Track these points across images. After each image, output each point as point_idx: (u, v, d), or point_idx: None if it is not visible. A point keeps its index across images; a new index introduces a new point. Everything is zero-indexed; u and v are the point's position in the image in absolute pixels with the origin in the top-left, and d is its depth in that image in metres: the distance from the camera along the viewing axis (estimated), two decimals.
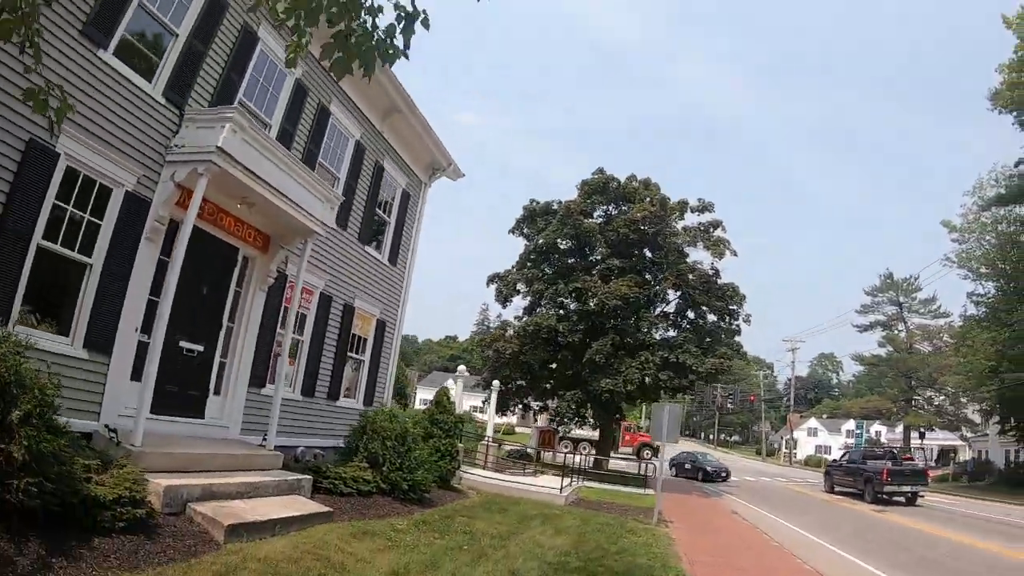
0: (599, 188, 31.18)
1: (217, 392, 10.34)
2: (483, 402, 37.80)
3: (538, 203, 32.27)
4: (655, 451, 50.00)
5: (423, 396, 70.02)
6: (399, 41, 4.26)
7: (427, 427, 14.00)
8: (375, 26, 4.15)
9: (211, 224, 9.84)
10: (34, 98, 4.33)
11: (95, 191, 8.19)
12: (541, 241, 31.00)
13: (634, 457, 43.15)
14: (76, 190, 7.96)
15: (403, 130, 14.57)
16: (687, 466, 36.05)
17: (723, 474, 34.64)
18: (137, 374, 8.60)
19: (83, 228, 8.08)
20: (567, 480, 17.70)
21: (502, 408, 32.64)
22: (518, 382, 31.66)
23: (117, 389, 8.37)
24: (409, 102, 13.85)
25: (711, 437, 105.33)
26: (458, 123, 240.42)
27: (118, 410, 8.32)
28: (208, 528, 6.91)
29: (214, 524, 6.93)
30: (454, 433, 14.60)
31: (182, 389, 9.67)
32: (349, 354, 13.64)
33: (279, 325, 11.37)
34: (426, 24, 4.27)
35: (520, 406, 35.02)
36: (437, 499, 12.32)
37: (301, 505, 8.68)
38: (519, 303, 32.60)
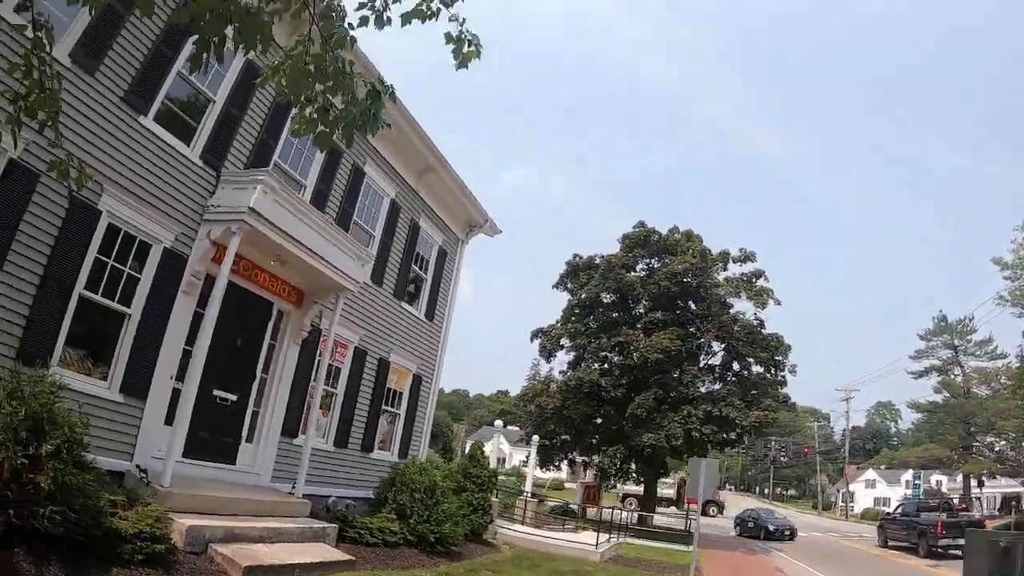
0: (640, 241, 30.82)
1: (250, 440, 10.31)
2: (526, 457, 36.99)
3: (581, 258, 32.08)
4: (720, 508, 48.06)
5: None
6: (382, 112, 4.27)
7: (460, 481, 13.64)
8: (354, 100, 4.11)
9: (246, 279, 10.02)
10: (57, 168, 4.69)
11: (135, 247, 8.47)
12: (584, 296, 30.67)
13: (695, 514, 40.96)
14: (117, 245, 8.24)
15: (438, 188, 14.72)
16: (750, 524, 33.59)
17: (787, 532, 31.92)
18: (171, 419, 8.69)
19: (123, 280, 8.34)
20: (605, 536, 16.95)
21: (544, 463, 31.89)
22: (562, 437, 30.90)
23: (151, 432, 8.46)
24: (443, 160, 14.03)
25: (766, 491, 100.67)
26: (508, 178, 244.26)
27: (151, 452, 8.38)
28: (227, 568, 6.94)
29: (232, 565, 6.93)
30: (487, 487, 14.18)
31: (215, 436, 9.68)
32: (384, 407, 13.52)
33: (313, 377, 11.36)
34: (393, 97, 4.37)
35: (565, 461, 34.17)
36: (466, 552, 11.85)
37: (324, 552, 8.47)
38: (563, 357, 32.23)
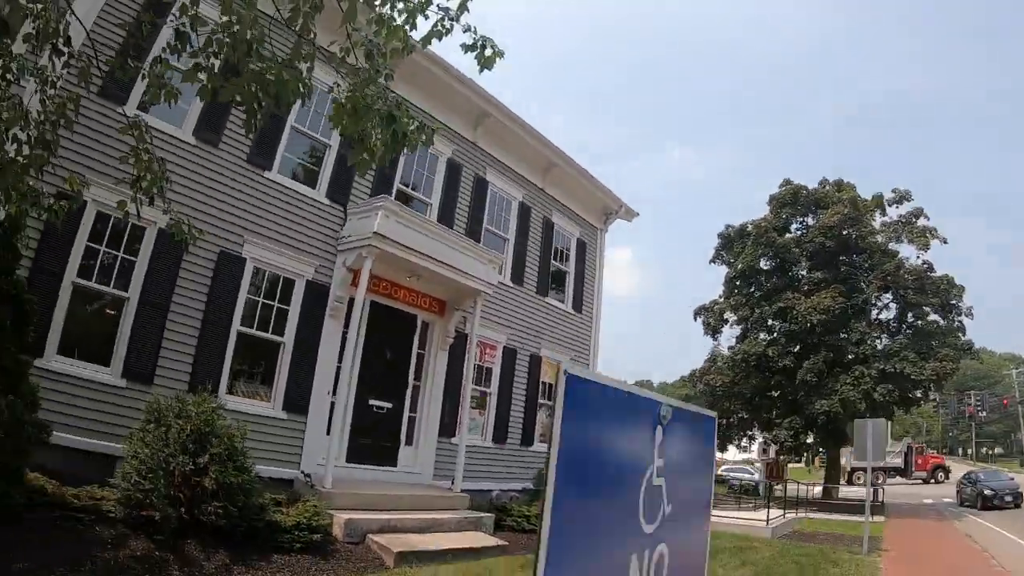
0: (789, 200, 27.79)
1: (409, 443, 10.40)
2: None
3: (732, 227, 29.58)
4: (946, 472, 42.81)
5: None
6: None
7: None
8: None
9: (387, 297, 10.16)
10: (174, 229, 5.46)
11: (280, 283, 8.99)
12: (741, 266, 28.30)
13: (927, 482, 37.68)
14: (264, 285, 8.84)
15: (566, 183, 14.11)
16: (968, 490, 26.39)
17: (1008, 497, 24.03)
18: (331, 429, 8.93)
19: (274, 314, 8.87)
20: (779, 512, 15.36)
21: (725, 443, 29.99)
22: (739, 415, 28.68)
23: (314, 443, 8.91)
24: (564, 157, 13.44)
25: (968, 452, 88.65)
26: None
27: (316, 460, 8.81)
28: (380, 554, 7.10)
29: (385, 551, 7.09)
30: None
31: (374, 441, 9.87)
32: (540, 401, 13.19)
33: (464, 380, 11.31)
34: (430, 137, 4.25)
35: (745, 439, 31.99)
36: None
37: (477, 539, 8.36)
38: (730, 333, 29.98)
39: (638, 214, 15.97)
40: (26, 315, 5.69)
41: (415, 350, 10.69)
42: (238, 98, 3.87)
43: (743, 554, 10.22)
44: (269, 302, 8.84)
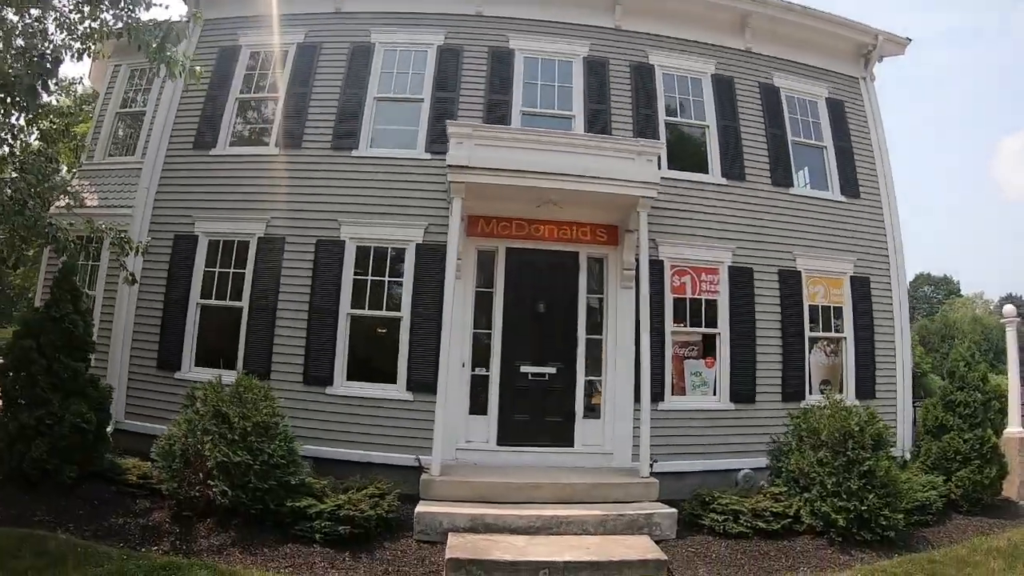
0: None
1: (592, 415, 8.20)
2: None
3: None
4: None
5: None
6: None
7: (939, 416, 8.15)
8: None
9: (525, 239, 8.41)
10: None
11: (388, 255, 8.34)
12: None
13: None
14: (371, 262, 8.31)
15: (776, 29, 9.72)
16: None
17: None
18: (476, 407, 8.03)
19: (385, 288, 8.26)
20: None
21: None
22: None
23: (451, 424, 7.41)
24: None
25: None
26: None
27: (455, 444, 7.75)
28: (435, 557, 5.60)
29: (443, 555, 5.47)
30: (983, 420, 7.77)
31: (536, 417, 8.06)
32: (811, 334, 9.20)
33: (669, 322, 8.52)
34: None
35: None
36: (943, 535, 6.69)
37: (628, 548, 5.73)
38: None
39: (908, 40, 10.29)
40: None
41: (584, 296, 8.46)
42: None
43: None
44: (379, 278, 8.25)
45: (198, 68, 7.69)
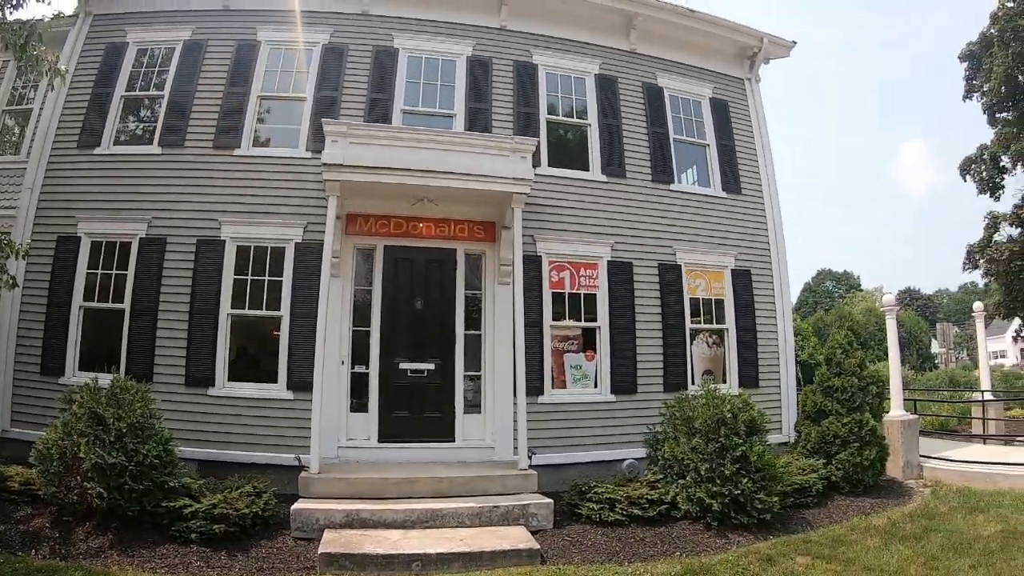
0: None
1: (473, 410, 8.37)
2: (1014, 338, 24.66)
3: (973, 43, 20.84)
4: None
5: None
6: None
7: (817, 402, 8.60)
8: None
9: (404, 236, 8.51)
10: None
11: (267, 255, 8.36)
12: (995, 81, 19.26)
13: None
14: (251, 261, 8.33)
15: (664, 31, 10.01)
16: None
17: None
18: (357, 405, 8.12)
19: (266, 288, 8.26)
20: None
21: None
22: None
23: (328, 423, 7.57)
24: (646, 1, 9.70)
25: None
26: None
27: (335, 442, 7.82)
28: (307, 552, 5.69)
29: (315, 549, 5.59)
30: (861, 404, 8.20)
31: (416, 413, 8.19)
32: (692, 326, 9.55)
33: (548, 316, 8.76)
34: None
35: None
36: (823, 516, 6.97)
37: (494, 540, 5.89)
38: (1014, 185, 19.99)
39: (793, 43, 10.67)
40: None
41: (461, 292, 8.62)
42: None
43: None
44: (259, 277, 8.26)
45: (63, 67, 7.67)
